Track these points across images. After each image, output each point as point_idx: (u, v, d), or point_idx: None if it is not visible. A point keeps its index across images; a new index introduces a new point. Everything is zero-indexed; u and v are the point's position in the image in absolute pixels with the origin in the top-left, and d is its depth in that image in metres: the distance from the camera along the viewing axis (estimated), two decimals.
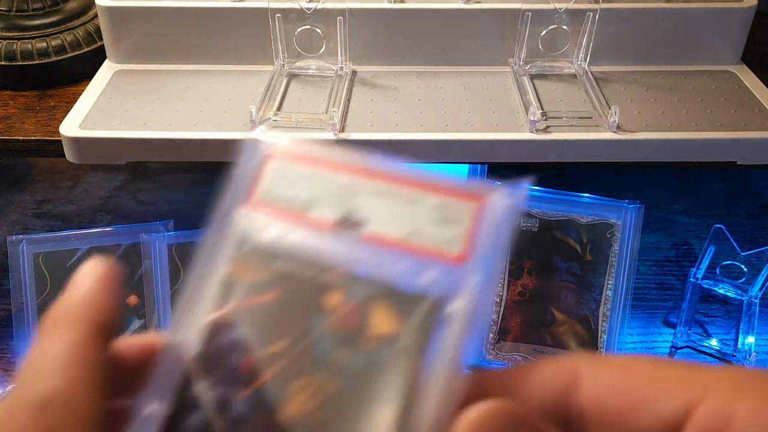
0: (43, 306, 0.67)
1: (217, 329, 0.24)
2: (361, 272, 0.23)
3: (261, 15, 0.60)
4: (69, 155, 0.57)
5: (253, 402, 0.23)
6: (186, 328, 0.24)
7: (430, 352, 0.22)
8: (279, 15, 0.60)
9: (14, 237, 0.68)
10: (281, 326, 0.23)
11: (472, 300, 0.22)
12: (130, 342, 0.24)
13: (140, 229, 0.67)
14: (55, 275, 0.67)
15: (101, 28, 0.63)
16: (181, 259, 0.67)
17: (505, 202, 0.23)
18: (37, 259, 0.67)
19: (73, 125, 0.56)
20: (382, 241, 0.24)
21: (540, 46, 0.61)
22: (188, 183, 0.76)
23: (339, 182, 0.25)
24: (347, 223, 0.24)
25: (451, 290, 0.22)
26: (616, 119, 0.55)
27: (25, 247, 0.68)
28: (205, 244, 0.25)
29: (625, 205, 0.65)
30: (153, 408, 0.23)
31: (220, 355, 0.23)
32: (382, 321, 0.23)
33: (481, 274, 0.22)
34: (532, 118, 0.55)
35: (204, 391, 0.23)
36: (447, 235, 0.23)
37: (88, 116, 0.57)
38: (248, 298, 0.24)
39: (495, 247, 0.23)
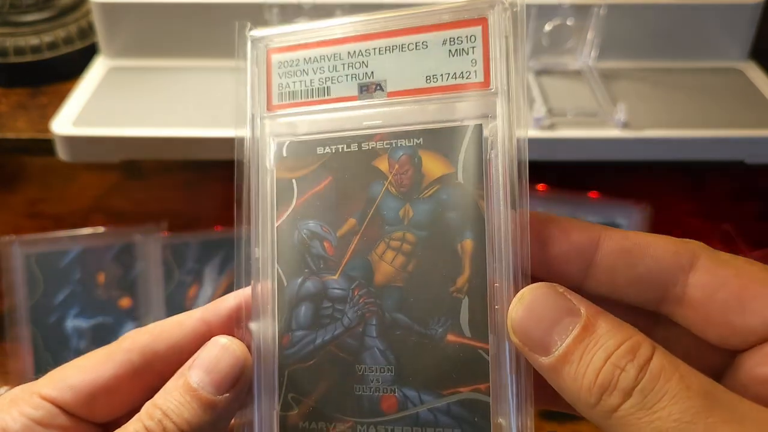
0: (35, 308, 0.66)
1: (289, 229, 0.25)
2: (397, 129, 0.24)
3: (257, 10, 0.59)
4: (61, 153, 0.56)
5: (347, 277, 0.24)
6: (263, 241, 0.25)
7: (487, 179, 0.23)
8: (276, 9, 0.59)
9: (6, 238, 0.67)
10: (346, 204, 0.25)
11: (505, 118, 0.23)
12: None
13: (134, 230, 0.66)
14: (47, 276, 0.66)
15: (94, 24, 0.62)
16: (175, 260, 0.66)
17: (507, 15, 0.23)
18: (30, 260, 0.66)
19: (65, 123, 0.55)
20: (407, 94, 0.24)
21: (544, 42, 0.60)
22: (182, 183, 0.75)
23: (344, 55, 0.25)
24: (368, 90, 0.25)
25: (484, 115, 0.23)
26: (622, 116, 0.54)
27: (17, 248, 0.66)
28: (243, 163, 0.25)
29: (631, 206, 0.64)
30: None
31: (302, 249, 0.25)
32: (433, 165, 0.24)
33: (504, 92, 0.23)
34: (536, 116, 0.54)
35: (301, 284, 0.25)
36: (464, 66, 0.24)
37: (81, 114, 0.56)
38: (306, 191, 0.25)
39: (512, 62, 0.23)
